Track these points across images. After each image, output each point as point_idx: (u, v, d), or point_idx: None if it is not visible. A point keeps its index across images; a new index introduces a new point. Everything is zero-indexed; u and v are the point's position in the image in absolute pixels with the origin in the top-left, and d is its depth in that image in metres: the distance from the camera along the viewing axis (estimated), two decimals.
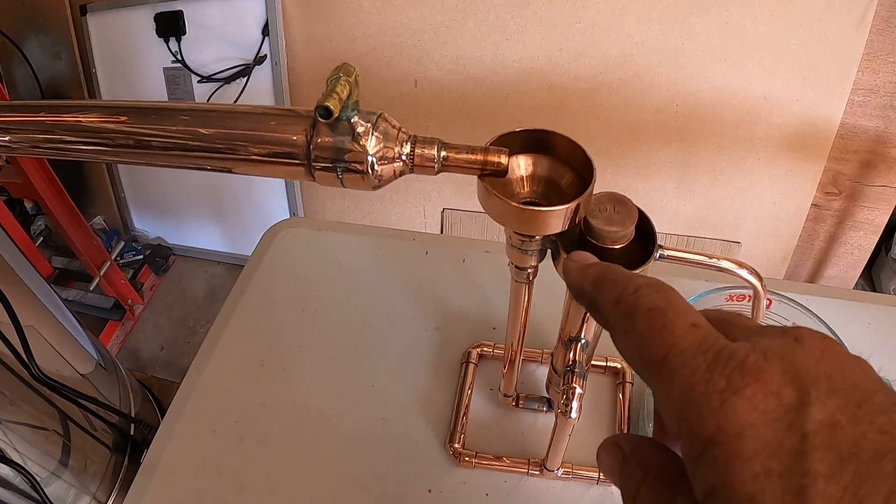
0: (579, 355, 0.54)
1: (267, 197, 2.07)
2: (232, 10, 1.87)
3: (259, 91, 1.89)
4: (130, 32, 2.01)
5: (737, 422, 0.22)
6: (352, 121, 0.40)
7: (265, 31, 1.84)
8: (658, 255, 0.45)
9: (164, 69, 2.02)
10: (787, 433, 0.22)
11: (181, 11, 1.92)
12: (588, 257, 0.37)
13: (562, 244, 0.45)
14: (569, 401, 0.53)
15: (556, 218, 0.40)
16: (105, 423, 1.26)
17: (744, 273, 0.46)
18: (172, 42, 1.96)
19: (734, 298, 0.69)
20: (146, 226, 2.36)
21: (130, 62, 2.06)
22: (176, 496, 0.70)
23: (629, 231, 0.43)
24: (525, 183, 0.45)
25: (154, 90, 2.04)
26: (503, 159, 0.41)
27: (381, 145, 0.40)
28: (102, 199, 2.34)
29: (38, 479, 1.07)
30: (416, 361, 0.79)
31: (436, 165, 0.41)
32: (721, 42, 1.60)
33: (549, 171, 0.45)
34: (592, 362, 0.76)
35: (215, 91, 1.95)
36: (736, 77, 1.63)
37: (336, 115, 0.37)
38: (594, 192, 0.43)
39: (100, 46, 2.07)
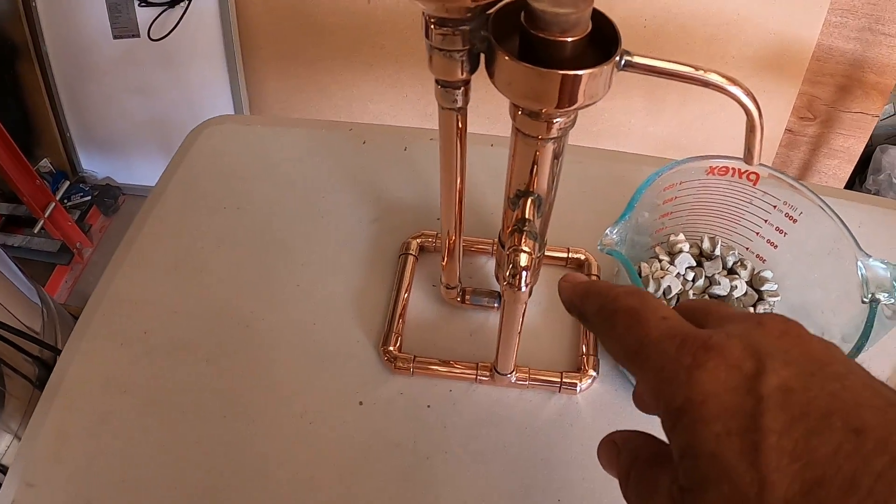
0: (530, 211, 0.45)
1: None
2: None
3: (203, 13, 1.77)
4: (87, 36, 1.89)
5: (701, 391, 0.25)
6: None
7: None
8: (623, 60, 0.36)
9: None
10: (745, 398, 0.24)
11: None
12: (579, 277, 0.36)
13: (496, 40, 0.36)
14: (517, 269, 0.44)
15: None
16: (28, 356, 1.17)
17: (736, 91, 0.36)
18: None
19: (714, 171, 0.61)
20: (95, 166, 2.25)
21: (87, 66, 1.94)
22: (78, 419, 0.61)
23: (582, 15, 0.33)
24: None
25: (96, 18, 1.91)
26: None
27: None
28: (48, 140, 2.22)
29: None
30: (349, 257, 0.70)
31: None
32: (680, 8, 1.52)
33: None
34: (552, 253, 0.68)
35: (158, 16, 1.83)
36: None
37: None
38: None
39: (55, 51, 1.95)
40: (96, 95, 2.01)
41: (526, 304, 0.48)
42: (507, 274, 0.44)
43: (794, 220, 0.61)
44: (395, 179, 0.77)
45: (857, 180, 2.04)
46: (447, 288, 0.63)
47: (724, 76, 0.36)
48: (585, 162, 0.79)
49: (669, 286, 0.61)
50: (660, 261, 0.63)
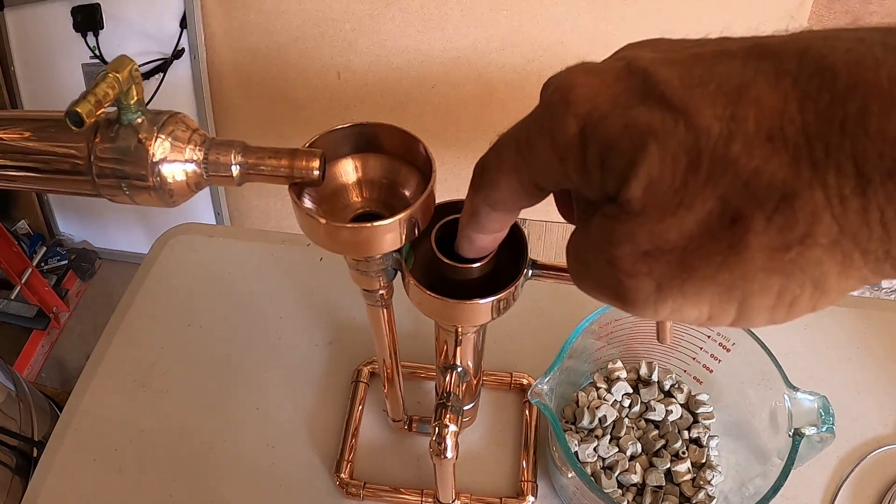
0: (454, 385, 0.48)
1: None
2: (149, 2, 1.77)
3: (178, 86, 1.80)
4: (48, 27, 1.91)
5: (583, 100, 0.24)
6: (134, 124, 0.33)
7: (183, 23, 1.75)
8: (530, 272, 0.39)
9: (83, 65, 1.92)
10: (629, 79, 0.24)
11: (98, 5, 1.82)
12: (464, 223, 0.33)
13: (405, 262, 0.39)
14: (441, 439, 0.47)
15: (387, 234, 0.34)
16: (6, 447, 1.18)
17: None
18: (91, 37, 1.86)
19: None
20: (71, 229, 2.26)
21: (49, 58, 1.96)
22: None
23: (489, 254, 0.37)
24: (360, 189, 0.39)
25: (74, 86, 1.94)
26: (314, 163, 0.34)
27: (169, 152, 0.33)
28: (25, 202, 2.24)
29: None
30: (305, 380, 0.73)
31: (234, 173, 0.34)
32: (653, 29, 1.55)
33: (387, 172, 0.38)
34: (496, 377, 0.71)
35: None
36: None
37: (89, 122, 0.30)
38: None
39: (18, 43, 1.97)
40: None
41: (455, 460, 0.51)
42: (434, 442, 0.46)
43: (728, 350, 0.64)
44: (350, 298, 0.79)
45: None
46: (393, 421, 0.66)
47: None
48: (530, 281, 0.82)
49: (605, 415, 0.64)
50: (597, 389, 0.66)
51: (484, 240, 0.34)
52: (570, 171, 0.25)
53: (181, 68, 1.79)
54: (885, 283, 1.93)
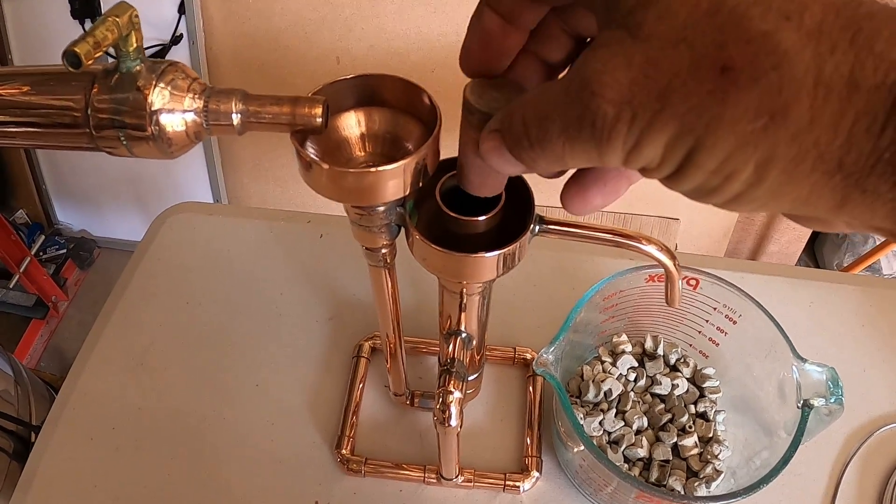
0: (458, 352, 0.47)
1: (189, 183, 1.96)
2: None
3: None
4: (46, 15, 1.90)
5: None
6: (133, 71, 0.32)
7: (181, 8, 1.74)
8: (537, 228, 0.38)
9: None
10: None
11: None
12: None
13: (410, 218, 0.38)
14: (446, 406, 0.46)
15: (391, 180, 0.33)
16: (4, 432, 1.17)
17: (651, 249, 0.39)
18: (88, 24, 1.85)
19: (654, 279, 0.63)
20: (70, 218, 2.25)
21: (47, 46, 1.94)
22: None
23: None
24: (363, 143, 0.38)
25: None
26: (317, 110, 0.33)
27: (168, 101, 0.32)
28: (24, 191, 2.22)
29: None
30: (305, 357, 0.72)
31: (235, 121, 0.33)
32: None
33: (390, 125, 0.37)
34: (500, 351, 0.70)
35: None
36: None
37: (87, 63, 0.29)
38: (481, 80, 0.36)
39: (15, 29, 1.96)
40: None
41: (460, 429, 0.50)
42: (437, 410, 0.45)
43: (734, 322, 0.63)
44: (351, 275, 0.78)
45: None
46: (395, 395, 0.65)
47: (638, 235, 0.38)
48: (533, 254, 0.81)
49: (611, 389, 0.63)
50: (602, 362, 0.65)
51: (489, 26, 0.31)
52: None
53: (179, 54, 1.78)
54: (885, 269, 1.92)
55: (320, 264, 0.80)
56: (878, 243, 1.71)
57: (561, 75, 0.29)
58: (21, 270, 2.00)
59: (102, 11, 1.83)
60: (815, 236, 2.07)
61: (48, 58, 1.94)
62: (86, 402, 0.70)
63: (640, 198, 1.77)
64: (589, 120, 0.24)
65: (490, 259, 0.35)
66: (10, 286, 2.07)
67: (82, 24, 1.86)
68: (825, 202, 0.23)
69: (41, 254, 2.19)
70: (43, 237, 2.21)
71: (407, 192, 0.34)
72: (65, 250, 2.20)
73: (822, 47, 0.21)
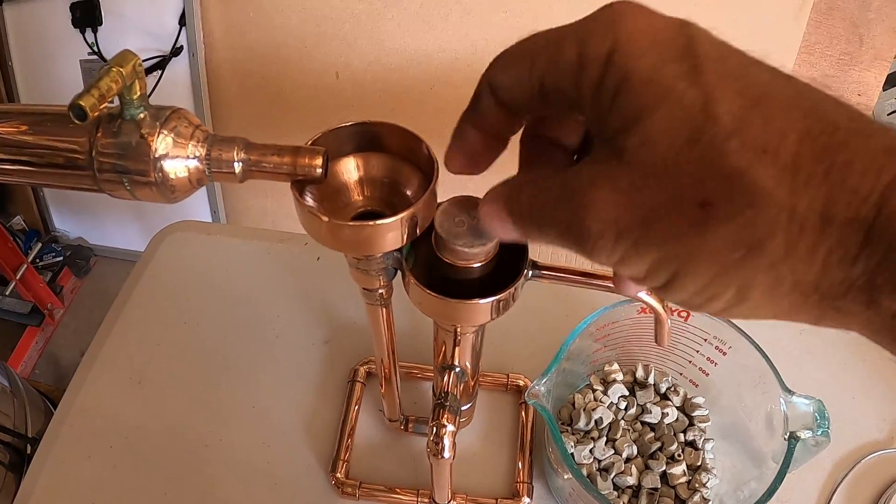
0: (452, 385, 0.48)
1: None
2: None
3: (176, 84, 1.79)
4: (46, 23, 1.90)
5: (628, 30, 0.25)
6: (137, 119, 0.33)
7: (182, 20, 1.75)
8: (530, 273, 0.39)
9: (81, 61, 1.91)
10: (676, 34, 0.24)
11: (97, 1, 1.82)
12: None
13: (406, 263, 0.39)
14: (439, 439, 0.47)
15: (389, 233, 0.34)
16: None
17: (642, 294, 0.40)
18: (89, 33, 1.86)
19: (647, 310, 0.63)
20: (67, 225, 2.25)
21: (47, 54, 1.95)
22: None
23: (489, 248, 0.36)
24: (362, 188, 0.39)
25: (72, 83, 1.93)
26: (317, 161, 0.34)
27: (171, 148, 0.33)
28: (21, 198, 2.23)
29: None
30: (302, 379, 0.73)
31: (237, 170, 0.34)
32: None
33: (388, 172, 0.38)
34: (493, 378, 0.71)
35: None
36: None
37: (92, 116, 0.30)
38: (455, 197, 0.37)
39: (16, 38, 1.96)
40: None
41: (453, 460, 0.51)
42: (431, 442, 0.46)
43: (724, 353, 0.64)
44: (348, 298, 0.79)
45: None
46: (390, 421, 0.66)
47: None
48: (529, 282, 0.82)
49: (601, 417, 0.64)
50: (594, 391, 0.66)
51: (472, 142, 0.32)
52: (583, 83, 0.26)
53: (179, 66, 1.79)
54: None
55: (317, 287, 0.81)
56: None
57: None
58: (17, 277, 2.00)
59: (103, 21, 1.84)
60: None
61: (48, 65, 1.95)
62: (84, 419, 0.71)
63: None
64: (577, 228, 0.26)
65: (484, 305, 0.36)
66: (7, 293, 2.08)
67: (83, 32, 1.86)
68: (804, 316, 0.24)
69: (38, 261, 2.19)
70: (40, 244, 2.21)
71: (403, 243, 0.35)
72: (61, 258, 2.21)
73: (797, 182, 0.22)
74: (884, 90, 1.76)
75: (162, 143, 0.33)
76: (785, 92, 0.23)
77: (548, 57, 0.27)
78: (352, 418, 0.68)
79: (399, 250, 0.38)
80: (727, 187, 0.22)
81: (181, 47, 1.78)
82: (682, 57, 0.24)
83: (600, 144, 0.26)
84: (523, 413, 0.69)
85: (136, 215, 2.11)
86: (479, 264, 0.36)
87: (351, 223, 0.33)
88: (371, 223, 0.33)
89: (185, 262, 0.84)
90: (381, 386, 0.60)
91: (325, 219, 0.33)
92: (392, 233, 0.33)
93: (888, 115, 1.86)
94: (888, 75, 1.64)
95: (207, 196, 1.92)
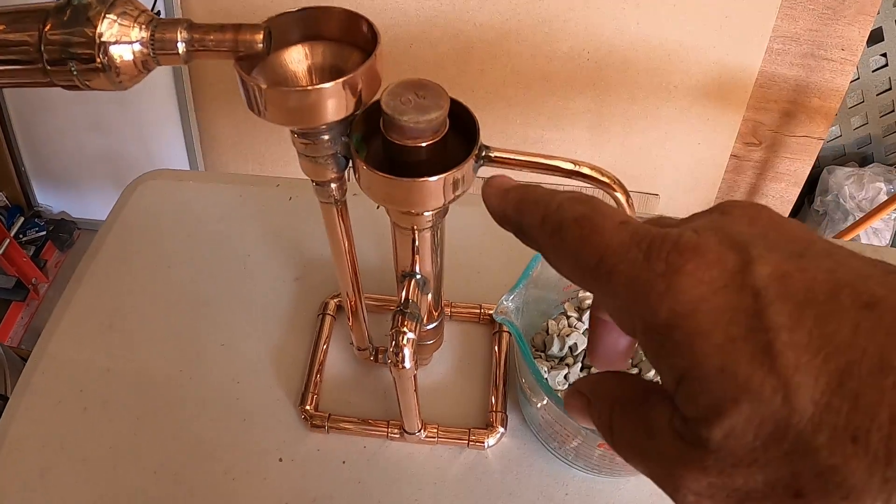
0: (413, 293, 0.47)
1: (168, 162, 1.95)
2: None
3: None
4: None
5: (687, 300, 0.22)
6: (83, 3, 0.33)
7: None
8: (482, 154, 0.38)
9: None
10: (739, 296, 0.22)
11: None
12: (506, 182, 0.32)
13: (355, 146, 0.37)
14: (399, 348, 0.46)
15: (331, 98, 0.33)
16: None
17: (595, 174, 0.38)
18: None
19: None
20: (50, 200, 2.24)
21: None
22: (18, 474, 0.63)
23: (436, 120, 0.35)
24: (310, 77, 0.38)
25: None
26: (258, 36, 0.33)
27: (116, 31, 0.33)
28: (3, 173, 2.21)
29: None
30: (271, 316, 0.72)
31: (181, 50, 0.34)
32: None
33: (336, 58, 0.37)
34: (465, 308, 0.70)
35: None
36: (650, 23, 1.57)
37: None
38: (403, 79, 0.36)
39: None
40: (51, 130, 2.01)
41: (416, 374, 0.50)
42: (391, 352, 0.45)
43: None
44: (319, 236, 0.78)
45: (806, 202, 2.08)
46: (359, 350, 0.65)
47: (585, 165, 0.38)
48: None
49: (576, 343, 0.63)
50: (568, 317, 0.65)
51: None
52: (639, 340, 0.24)
53: None
54: None
55: (289, 227, 0.80)
56: (857, 219, 1.71)
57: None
58: (0, 253, 1.99)
59: None
60: (795, 211, 2.08)
61: (43, 112, 1.94)
62: (55, 366, 0.70)
63: (619, 174, 1.77)
64: (670, 490, 0.24)
65: (435, 183, 0.35)
66: None
67: None
68: None
69: (21, 236, 2.17)
70: (22, 219, 2.19)
71: (349, 112, 0.34)
72: (44, 232, 2.19)
73: (890, 471, 0.20)
74: (868, 46, 1.75)
75: (107, 28, 0.33)
76: (872, 348, 0.20)
77: (604, 279, 0.25)
78: (321, 352, 0.68)
79: (348, 136, 0.37)
80: (820, 483, 0.21)
81: (158, 12, 1.76)
82: (752, 331, 0.21)
83: (682, 423, 0.24)
84: (496, 345, 0.68)
85: (118, 186, 2.09)
86: (426, 143, 0.35)
87: (294, 88, 0.32)
88: (312, 87, 0.32)
89: (157, 208, 0.83)
90: (349, 317, 0.59)
91: (264, 86, 0.32)
92: (333, 98, 0.33)
93: (873, 71, 1.86)
94: (872, 31, 1.64)
95: (188, 162, 1.91)
